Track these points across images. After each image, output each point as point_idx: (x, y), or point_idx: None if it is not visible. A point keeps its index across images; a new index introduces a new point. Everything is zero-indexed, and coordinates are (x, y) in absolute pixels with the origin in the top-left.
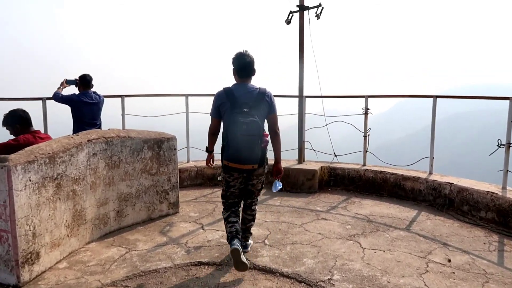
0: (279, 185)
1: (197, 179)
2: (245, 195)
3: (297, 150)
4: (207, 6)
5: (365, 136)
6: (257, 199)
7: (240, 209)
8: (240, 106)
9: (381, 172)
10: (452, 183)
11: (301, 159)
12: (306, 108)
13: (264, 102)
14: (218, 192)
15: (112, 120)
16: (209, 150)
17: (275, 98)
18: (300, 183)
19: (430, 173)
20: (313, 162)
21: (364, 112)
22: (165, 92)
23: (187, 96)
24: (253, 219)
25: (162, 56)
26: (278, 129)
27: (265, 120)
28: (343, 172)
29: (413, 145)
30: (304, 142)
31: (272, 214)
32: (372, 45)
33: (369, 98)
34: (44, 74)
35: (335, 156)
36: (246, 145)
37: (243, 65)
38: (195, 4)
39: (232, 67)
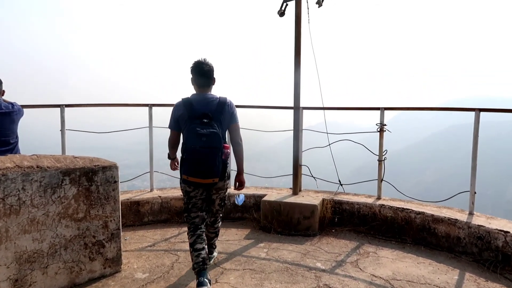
0: (241, 198)
1: (161, 213)
2: (207, 212)
3: (291, 176)
4: (201, 5)
5: (380, 161)
6: (221, 216)
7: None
8: (200, 117)
9: (403, 209)
10: (508, 232)
11: (296, 188)
12: (303, 122)
13: (225, 112)
14: (186, 233)
15: (51, 137)
16: (172, 157)
17: (271, 109)
18: (295, 222)
19: (471, 214)
20: (312, 192)
21: (379, 129)
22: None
23: (150, 106)
24: (216, 235)
25: (157, 59)
26: (241, 140)
27: (226, 131)
28: (352, 208)
29: (414, 156)
30: (300, 167)
31: (253, 275)
32: (371, 44)
33: (381, 110)
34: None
35: (341, 185)
36: (206, 158)
37: (202, 74)
38: (188, 4)
39: (190, 76)
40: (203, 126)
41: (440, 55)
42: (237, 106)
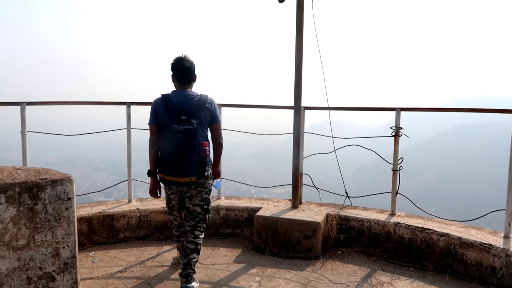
0: (218, 184)
1: (139, 229)
2: (185, 216)
3: (290, 187)
4: (204, 3)
5: (395, 171)
6: (203, 226)
7: None
8: (178, 114)
9: (422, 229)
10: None
11: (296, 201)
12: (305, 124)
13: (205, 110)
14: (167, 252)
15: (9, 141)
16: (152, 172)
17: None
18: (294, 242)
19: (507, 237)
20: (314, 205)
21: (394, 133)
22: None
23: (128, 104)
24: (197, 251)
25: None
26: (222, 139)
27: (208, 129)
28: (361, 226)
29: (417, 156)
30: (301, 176)
31: None
32: (375, 43)
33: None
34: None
35: (348, 197)
36: (182, 156)
37: (182, 71)
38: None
39: (171, 73)
40: (180, 123)
41: (445, 54)
42: (234, 106)
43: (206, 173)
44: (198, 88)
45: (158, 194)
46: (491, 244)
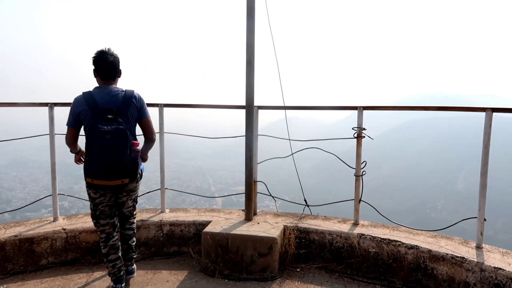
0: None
1: (66, 252)
2: (119, 215)
3: (243, 196)
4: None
5: (358, 176)
6: (135, 215)
7: None
8: (104, 113)
9: (389, 241)
10: None
11: (250, 213)
12: (258, 125)
13: (132, 106)
14: (99, 281)
15: None
16: (75, 151)
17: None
18: (248, 261)
19: (479, 247)
20: (270, 216)
21: (356, 134)
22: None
23: (51, 105)
24: (134, 234)
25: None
26: (155, 135)
27: (135, 126)
28: (322, 239)
29: (370, 152)
30: (255, 184)
31: None
32: (326, 42)
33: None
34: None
35: (307, 205)
36: (112, 158)
37: (106, 65)
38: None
39: (93, 67)
40: (107, 123)
41: (402, 51)
42: (176, 105)
43: (138, 174)
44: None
45: (82, 159)
46: (464, 257)
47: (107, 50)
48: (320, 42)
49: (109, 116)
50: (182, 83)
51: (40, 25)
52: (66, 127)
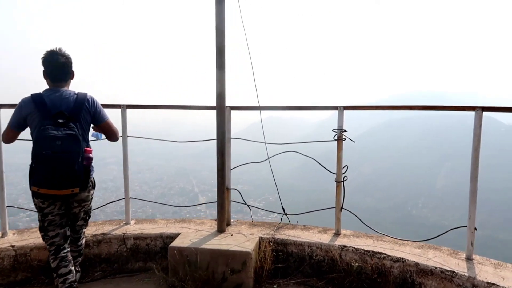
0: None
1: (16, 272)
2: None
3: (215, 205)
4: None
5: (339, 182)
6: (83, 234)
7: None
8: (54, 117)
9: (373, 254)
10: None
11: (223, 223)
12: (231, 127)
13: (84, 110)
14: None
15: None
16: None
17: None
18: (219, 278)
19: (469, 259)
20: (245, 227)
21: (337, 136)
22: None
23: None
24: (80, 255)
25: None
26: (119, 134)
27: (88, 131)
28: (301, 251)
29: (350, 151)
30: (228, 191)
31: None
32: (310, 38)
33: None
34: None
35: (285, 214)
36: (62, 165)
37: (56, 67)
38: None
39: (42, 68)
40: (57, 128)
41: (378, 50)
42: (140, 107)
43: (90, 183)
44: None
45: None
46: (454, 271)
47: (58, 50)
48: (303, 40)
49: (60, 121)
50: (182, 83)
51: (35, 23)
52: (7, 125)
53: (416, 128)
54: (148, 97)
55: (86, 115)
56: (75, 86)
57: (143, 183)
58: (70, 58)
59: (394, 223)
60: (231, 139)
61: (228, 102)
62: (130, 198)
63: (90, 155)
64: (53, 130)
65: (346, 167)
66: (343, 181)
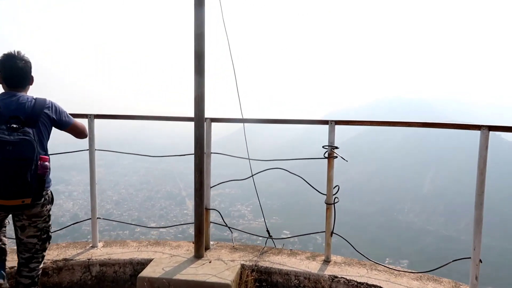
0: None
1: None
2: (17, 246)
3: (192, 227)
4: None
5: (329, 204)
6: (42, 255)
7: None
8: (8, 121)
9: (367, 286)
10: None
11: (201, 248)
12: (211, 141)
13: (44, 116)
14: None
15: None
16: None
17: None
18: None
19: None
20: (225, 252)
21: (327, 154)
22: None
23: None
24: (34, 284)
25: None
26: (87, 131)
27: (47, 139)
28: (287, 282)
29: (342, 155)
30: (207, 212)
31: None
32: (291, 51)
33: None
34: None
35: (270, 237)
36: (12, 173)
37: (13, 71)
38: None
39: None
40: (10, 132)
41: (363, 53)
42: (109, 117)
43: (45, 197)
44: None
45: None
46: None
47: (16, 53)
48: (287, 43)
49: (14, 126)
50: (182, 83)
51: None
52: None
53: (403, 132)
54: (148, 97)
55: (45, 121)
56: (76, 86)
57: (129, 186)
58: (29, 62)
59: (380, 227)
60: (211, 154)
61: (208, 111)
62: (98, 218)
63: (47, 163)
64: (5, 134)
65: (337, 187)
66: (334, 203)
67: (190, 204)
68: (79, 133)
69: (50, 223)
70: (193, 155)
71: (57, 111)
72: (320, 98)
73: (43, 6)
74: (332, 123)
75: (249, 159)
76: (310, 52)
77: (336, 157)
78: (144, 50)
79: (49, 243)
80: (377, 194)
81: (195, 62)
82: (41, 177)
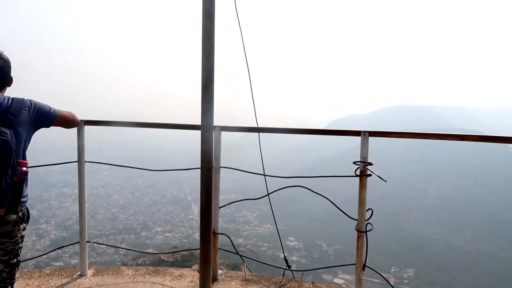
0: None
1: None
2: None
3: (198, 231)
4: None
5: (361, 232)
6: (11, 283)
7: None
8: None
9: None
10: None
11: (207, 281)
12: (221, 152)
13: (22, 116)
14: None
15: None
16: None
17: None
18: None
19: None
20: (236, 284)
21: (359, 171)
22: None
23: None
24: None
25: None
26: (77, 119)
27: (27, 142)
28: None
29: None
30: (216, 237)
31: None
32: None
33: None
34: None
35: (288, 268)
36: None
37: None
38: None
39: None
40: None
41: (377, 57)
42: (106, 123)
43: (19, 212)
44: None
45: None
46: None
47: None
48: (297, 43)
49: None
50: (182, 83)
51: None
52: None
53: (407, 140)
54: (149, 97)
55: (25, 122)
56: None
57: (135, 190)
58: (9, 61)
59: (385, 236)
60: (221, 168)
61: (217, 118)
62: (87, 242)
63: (25, 169)
64: None
65: (370, 210)
66: (366, 231)
67: (196, 209)
68: (68, 122)
69: (21, 245)
70: (200, 170)
71: (37, 108)
72: (320, 104)
73: (44, 7)
74: (365, 135)
75: (265, 175)
76: (309, 57)
77: (370, 175)
78: (144, 50)
79: (17, 269)
80: (382, 201)
81: (203, 49)
82: (18, 184)
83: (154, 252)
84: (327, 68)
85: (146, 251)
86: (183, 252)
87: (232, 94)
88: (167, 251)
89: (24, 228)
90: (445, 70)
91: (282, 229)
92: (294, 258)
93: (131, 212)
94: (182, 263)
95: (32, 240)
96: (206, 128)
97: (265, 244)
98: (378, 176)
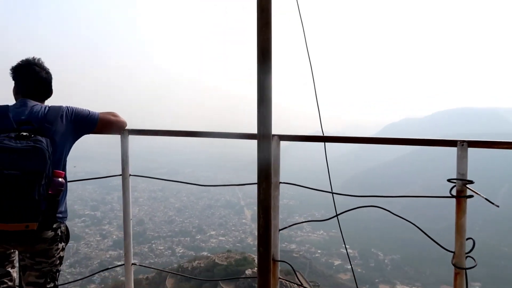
0: None
1: None
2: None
3: (249, 236)
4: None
5: (460, 269)
6: None
7: None
8: (16, 129)
9: None
10: None
11: None
12: (280, 166)
13: (60, 123)
14: None
15: None
16: None
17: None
18: None
19: None
20: None
21: (456, 191)
22: None
23: None
24: None
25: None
26: (122, 119)
27: (66, 152)
28: None
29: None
30: (275, 264)
31: None
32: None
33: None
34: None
35: None
36: (14, 188)
37: (32, 81)
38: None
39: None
40: (17, 140)
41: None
42: (149, 132)
43: (56, 230)
44: None
45: None
46: None
47: (36, 61)
48: (357, 42)
49: (23, 134)
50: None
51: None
52: None
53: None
54: (150, 98)
55: (63, 130)
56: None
57: (190, 194)
58: (50, 73)
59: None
60: (280, 183)
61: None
62: (133, 264)
63: (61, 180)
64: (12, 142)
65: (471, 240)
66: (465, 269)
67: (249, 214)
68: (112, 123)
69: (59, 268)
70: (256, 186)
71: (75, 114)
72: (371, 107)
73: (46, 8)
74: (463, 145)
75: (333, 193)
76: (359, 56)
77: (472, 196)
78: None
79: None
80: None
81: (258, 57)
82: (53, 197)
83: (209, 254)
84: (374, 68)
85: (201, 254)
86: (236, 256)
87: (280, 96)
88: (220, 254)
89: (63, 249)
90: (506, 69)
91: (335, 236)
92: (348, 266)
93: (187, 215)
94: (236, 267)
95: (96, 240)
96: (264, 137)
97: (319, 251)
98: (486, 198)
